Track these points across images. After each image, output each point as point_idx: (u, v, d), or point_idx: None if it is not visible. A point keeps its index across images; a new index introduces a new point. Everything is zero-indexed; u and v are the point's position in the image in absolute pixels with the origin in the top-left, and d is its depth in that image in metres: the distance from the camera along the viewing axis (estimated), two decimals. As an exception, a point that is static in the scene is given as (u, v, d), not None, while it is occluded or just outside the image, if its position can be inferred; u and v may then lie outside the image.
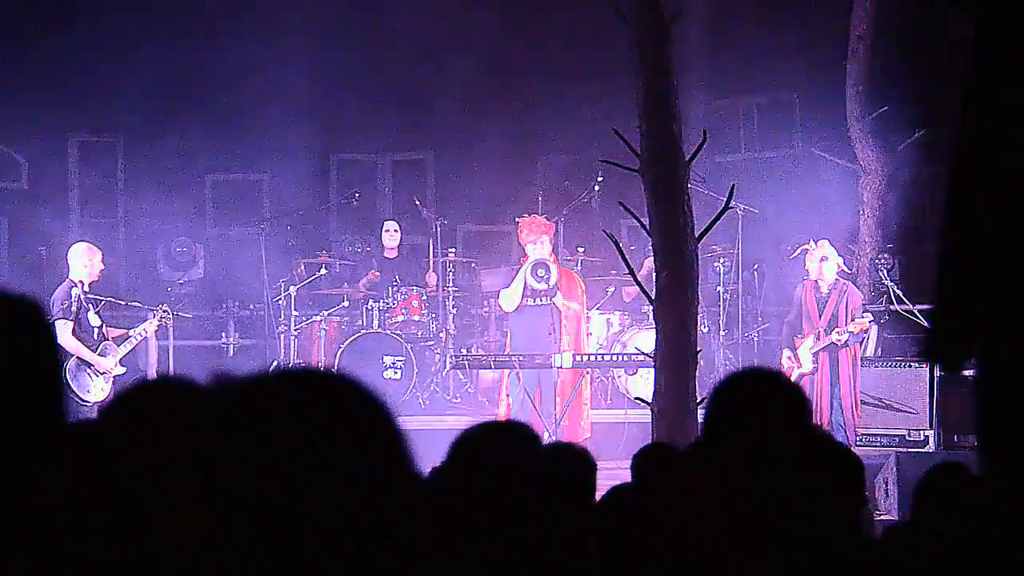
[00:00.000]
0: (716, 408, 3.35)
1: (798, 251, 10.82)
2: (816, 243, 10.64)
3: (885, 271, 11.82)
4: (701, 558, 2.66)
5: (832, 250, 10.58)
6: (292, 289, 12.48)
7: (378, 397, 1.61)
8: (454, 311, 12.85)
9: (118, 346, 9.89)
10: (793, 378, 10.17)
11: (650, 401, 6.39)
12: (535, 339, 10.49)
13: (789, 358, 10.53)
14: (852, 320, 10.38)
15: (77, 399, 9.64)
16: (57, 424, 2.08)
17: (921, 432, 10.61)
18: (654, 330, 6.55)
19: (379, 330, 12.13)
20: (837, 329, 10.32)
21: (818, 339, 10.43)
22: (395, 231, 12.97)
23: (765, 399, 3.31)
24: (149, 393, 2.29)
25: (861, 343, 10.73)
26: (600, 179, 12.97)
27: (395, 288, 12.37)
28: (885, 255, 12.37)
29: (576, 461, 3.13)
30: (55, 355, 2.14)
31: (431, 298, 12.72)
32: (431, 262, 13.11)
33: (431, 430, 11.01)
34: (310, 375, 1.60)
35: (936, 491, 3.83)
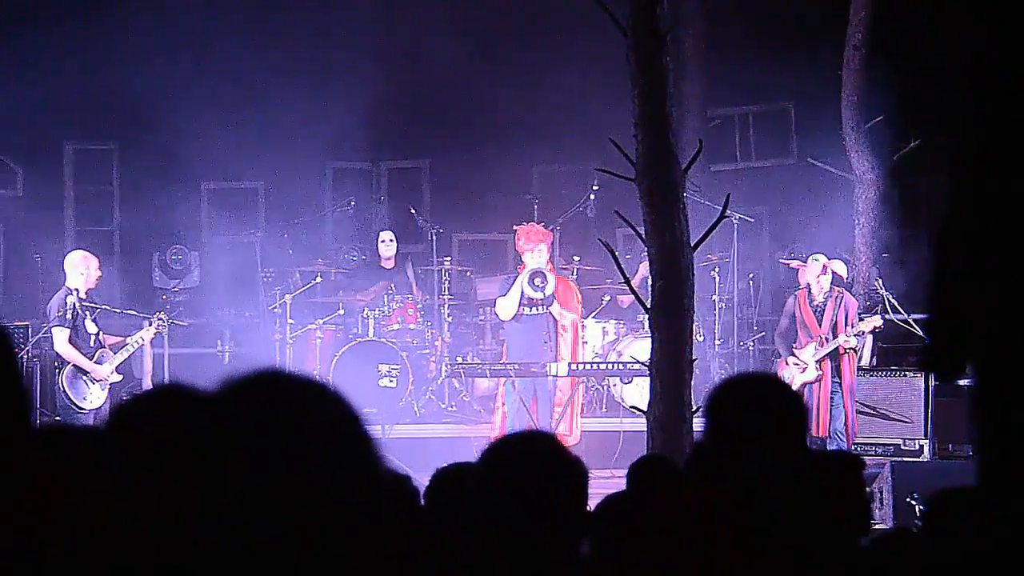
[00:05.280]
0: (714, 413, 3.34)
1: (794, 263, 10.82)
2: (807, 260, 10.66)
3: (880, 280, 11.83)
4: (697, 569, 2.66)
5: (825, 259, 10.61)
6: (288, 297, 12.46)
7: (343, 396, 1.69)
8: (449, 319, 12.85)
9: (114, 353, 9.88)
10: (795, 386, 10.16)
11: (645, 410, 6.38)
12: (531, 348, 10.50)
13: (795, 363, 10.46)
14: (852, 326, 10.38)
15: (73, 406, 9.64)
16: (19, 438, 2.07)
17: (916, 441, 10.61)
18: (649, 339, 6.55)
19: (375, 338, 12.11)
20: (845, 332, 10.31)
21: (821, 345, 10.39)
22: (391, 241, 12.97)
23: (765, 405, 3.30)
24: (156, 399, 2.29)
25: (857, 352, 10.73)
26: (596, 188, 12.97)
27: (391, 297, 12.37)
28: (880, 264, 12.38)
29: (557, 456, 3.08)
30: (13, 371, 2.12)
31: (427, 307, 12.72)
32: (433, 271, 13.11)
33: (426, 438, 11.00)
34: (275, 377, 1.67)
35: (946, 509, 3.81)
